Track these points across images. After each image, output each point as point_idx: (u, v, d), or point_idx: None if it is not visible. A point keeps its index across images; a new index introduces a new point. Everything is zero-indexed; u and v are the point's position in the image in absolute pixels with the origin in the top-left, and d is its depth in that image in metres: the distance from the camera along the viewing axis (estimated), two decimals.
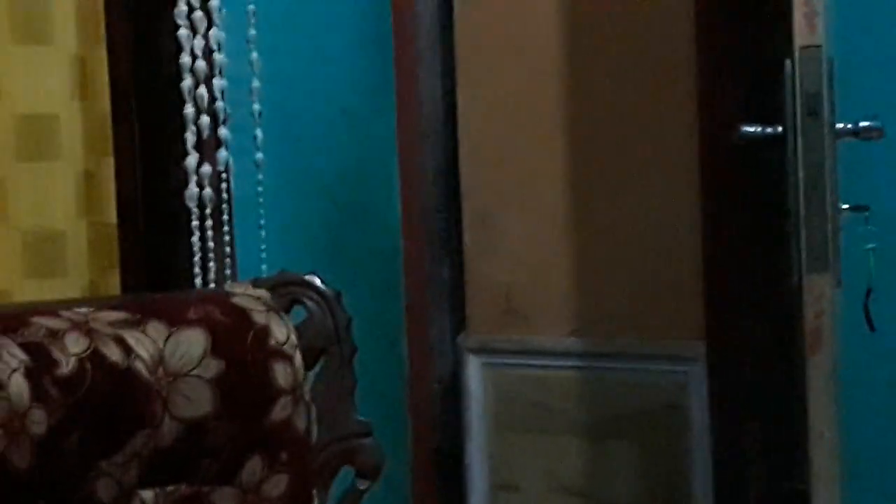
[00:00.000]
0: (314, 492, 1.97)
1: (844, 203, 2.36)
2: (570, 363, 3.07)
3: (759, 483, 2.71)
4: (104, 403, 1.74)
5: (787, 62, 2.30)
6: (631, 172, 2.97)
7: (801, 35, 2.29)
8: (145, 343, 1.81)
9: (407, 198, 3.10)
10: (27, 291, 2.06)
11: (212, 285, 2.08)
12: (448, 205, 3.22)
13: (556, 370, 3.08)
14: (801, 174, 2.31)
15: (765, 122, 2.37)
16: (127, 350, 1.78)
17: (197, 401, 1.83)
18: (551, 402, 3.09)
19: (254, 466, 1.88)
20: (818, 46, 2.28)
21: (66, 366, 1.71)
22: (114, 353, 1.76)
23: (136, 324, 1.82)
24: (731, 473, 2.79)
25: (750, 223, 2.65)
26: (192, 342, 1.84)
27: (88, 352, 1.74)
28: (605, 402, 3.04)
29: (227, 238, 2.11)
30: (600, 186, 3.02)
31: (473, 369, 3.18)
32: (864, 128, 2.35)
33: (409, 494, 3.08)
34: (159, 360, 1.81)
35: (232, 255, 2.09)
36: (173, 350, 1.83)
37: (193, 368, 1.83)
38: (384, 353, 3.06)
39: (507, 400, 3.14)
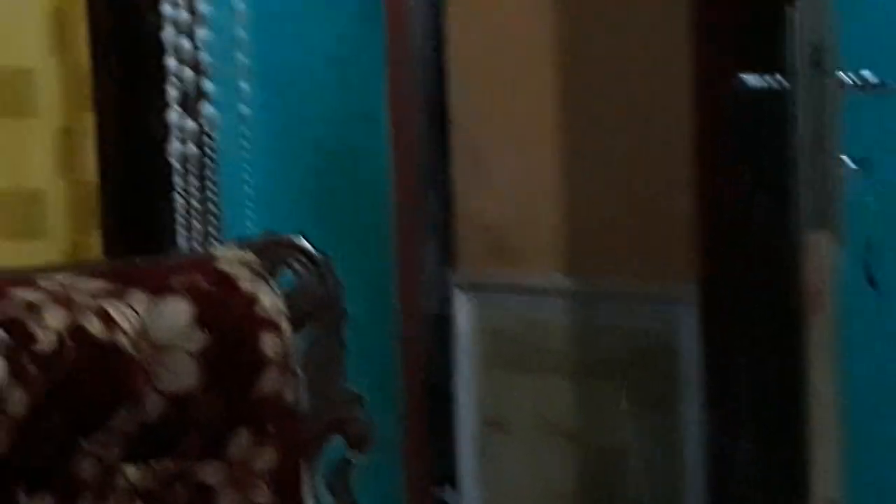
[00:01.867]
0: (303, 463, 1.91)
1: (846, 157, 2.29)
2: (559, 302, 3.04)
3: (751, 429, 2.69)
4: (85, 380, 1.68)
5: (790, 10, 2.22)
6: (625, 108, 2.92)
7: None
8: (127, 314, 1.74)
9: (396, 136, 3.03)
10: (5, 254, 2.00)
11: (195, 245, 2.01)
12: (436, 139, 3.16)
13: (546, 309, 3.05)
14: (803, 126, 2.25)
15: (763, 71, 2.30)
16: (108, 322, 1.72)
17: (182, 374, 1.77)
18: (540, 341, 3.07)
19: (241, 440, 1.82)
20: None
21: (46, 342, 1.64)
22: (95, 327, 1.70)
23: (117, 294, 1.76)
24: (722, 417, 2.76)
25: (744, 172, 2.59)
26: (176, 313, 1.78)
27: (69, 326, 1.67)
28: (594, 342, 3.02)
29: (210, 196, 2.03)
30: (594, 122, 2.97)
31: (462, 305, 3.14)
32: (868, 80, 2.28)
33: (399, 432, 3.06)
34: (142, 332, 1.75)
35: (216, 214, 2.02)
36: (156, 321, 1.76)
37: (178, 340, 1.77)
38: (374, 300, 3.01)
39: (496, 337, 3.11)
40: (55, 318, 1.67)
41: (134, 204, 2.04)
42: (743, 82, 2.35)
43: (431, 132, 3.17)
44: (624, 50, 2.93)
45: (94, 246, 2.07)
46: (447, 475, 3.20)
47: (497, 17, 3.04)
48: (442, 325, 3.19)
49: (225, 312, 1.82)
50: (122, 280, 1.78)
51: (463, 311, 3.15)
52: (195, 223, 2.05)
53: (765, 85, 2.32)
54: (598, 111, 2.98)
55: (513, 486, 3.13)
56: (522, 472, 3.13)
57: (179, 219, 2.03)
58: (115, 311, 1.74)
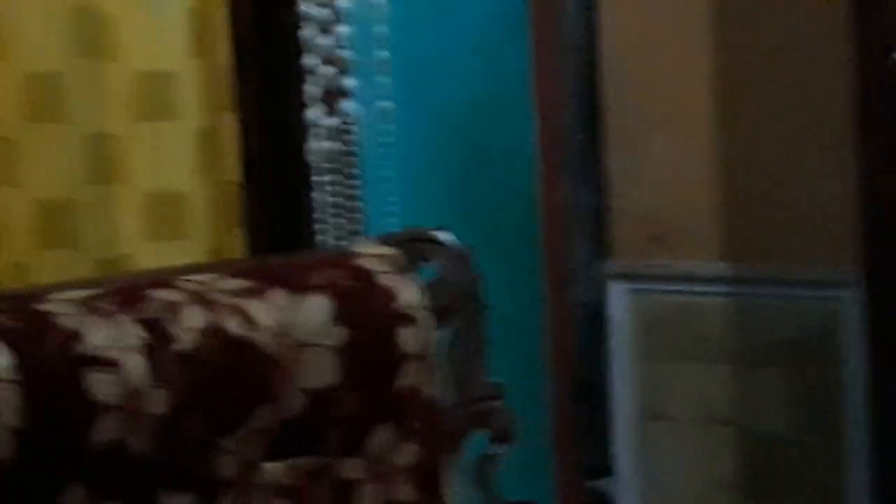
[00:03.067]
0: (445, 458, 1.91)
1: None
2: (717, 289, 3.01)
3: None
4: (225, 378, 1.70)
5: None
6: (781, 94, 2.88)
7: None
8: (267, 312, 1.75)
9: (543, 125, 3.00)
10: (148, 255, 2.02)
11: (337, 242, 2.01)
12: (589, 127, 3.13)
13: (704, 296, 3.02)
14: None
15: None
16: (248, 321, 1.73)
17: (322, 370, 1.78)
18: (699, 329, 3.03)
19: (382, 436, 1.83)
20: None
21: (185, 341, 1.66)
22: (234, 326, 1.71)
23: (257, 292, 1.77)
24: (886, 404, 2.70)
25: None
26: (315, 310, 1.79)
27: (208, 325, 1.69)
28: (754, 329, 2.98)
29: (352, 192, 2.03)
30: (750, 108, 2.93)
31: (617, 296, 3.12)
32: None
33: (548, 425, 3.04)
34: (282, 329, 1.75)
35: (359, 210, 2.02)
36: (296, 319, 1.77)
37: (317, 337, 1.77)
38: (522, 294, 2.99)
39: (653, 327, 3.09)
40: (194, 318, 1.68)
41: (276, 202, 2.05)
42: None
43: (585, 122, 3.14)
44: (780, 35, 2.88)
45: (237, 245, 2.09)
46: (605, 466, 3.17)
47: (651, 3, 3.00)
48: (596, 315, 3.17)
49: (364, 308, 1.82)
50: (261, 278, 1.79)
51: (618, 301, 3.13)
52: (337, 220, 2.05)
53: None
54: (754, 97, 2.93)
55: (672, 476, 3.10)
56: (681, 461, 3.10)
57: (321, 216, 2.03)
58: (255, 309, 1.75)
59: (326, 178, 2.03)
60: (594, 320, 3.15)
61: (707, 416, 3.03)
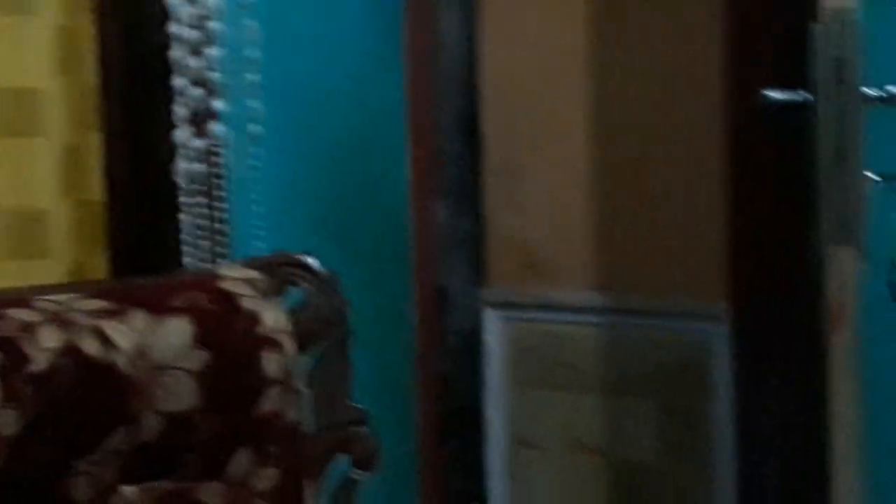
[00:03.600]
0: (306, 483, 1.90)
1: (871, 172, 2.25)
2: (591, 319, 3.04)
3: (782, 447, 2.66)
4: (80, 400, 1.67)
5: (815, 25, 2.19)
6: (657, 128, 2.90)
7: None
8: (126, 334, 1.73)
9: (417, 151, 3.01)
10: (9, 273, 1.99)
11: (202, 265, 2.00)
12: (469, 156, 3.14)
13: (577, 326, 3.05)
14: (826, 142, 2.21)
15: (792, 87, 2.27)
16: (106, 342, 1.71)
17: (181, 394, 1.76)
18: (571, 359, 3.05)
19: (241, 460, 1.81)
20: (848, 9, 2.17)
21: (39, 362, 1.63)
22: (91, 347, 1.69)
23: (116, 313, 1.75)
24: (753, 436, 2.73)
25: (775, 188, 2.56)
26: (175, 332, 1.77)
27: (63, 346, 1.67)
28: (625, 359, 3.01)
29: (218, 215, 2.02)
30: (627, 140, 2.96)
31: (493, 324, 3.13)
32: (894, 94, 2.24)
33: (416, 455, 3.04)
34: (140, 352, 1.74)
35: (224, 234, 2.01)
36: (156, 341, 1.75)
37: (177, 360, 1.76)
38: (392, 320, 2.99)
39: (527, 355, 3.10)
40: (50, 339, 1.66)
41: (141, 223, 2.03)
42: (769, 98, 2.31)
43: (465, 149, 3.15)
44: (658, 68, 2.91)
45: (101, 266, 2.06)
46: (477, 495, 3.18)
47: (531, 33, 3.04)
48: (471, 343, 3.18)
49: (226, 331, 1.81)
50: (121, 300, 1.77)
51: (493, 329, 3.14)
52: (203, 242, 2.04)
53: (790, 100, 2.28)
54: (631, 129, 2.96)
55: None
56: (552, 489, 3.12)
57: (187, 238, 2.02)
58: (113, 330, 1.73)
59: (193, 200, 2.01)
60: (471, 347, 3.15)
61: (578, 445, 3.05)
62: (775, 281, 2.63)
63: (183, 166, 2.01)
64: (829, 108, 2.21)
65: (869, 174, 2.27)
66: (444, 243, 3.13)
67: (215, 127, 2.04)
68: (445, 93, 3.11)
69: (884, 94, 2.27)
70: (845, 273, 2.25)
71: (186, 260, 2.00)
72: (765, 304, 2.67)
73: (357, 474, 1.97)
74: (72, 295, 1.76)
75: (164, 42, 1.98)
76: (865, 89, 2.23)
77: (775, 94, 2.31)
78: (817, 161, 2.25)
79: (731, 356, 2.78)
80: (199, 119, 1.99)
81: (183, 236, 1.99)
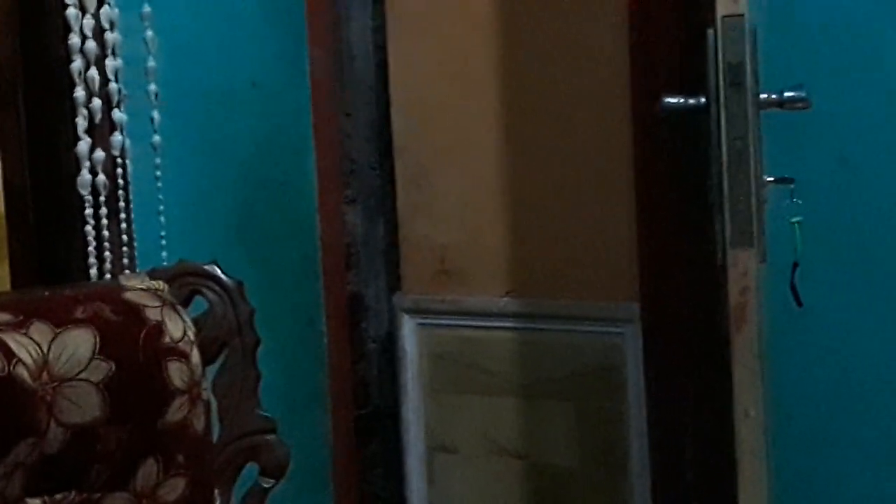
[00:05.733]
0: (216, 492, 1.90)
1: (769, 176, 2.29)
2: (505, 324, 3.05)
3: (694, 447, 2.69)
4: None
5: (710, 31, 2.23)
6: (565, 135, 2.94)
7: (723, 4, 2.22)
8: (28, 346, 1.73)
9: (324, 158, 3.02)
10: None
11: (107, 277, 2.00)
12: (381, 162, 3.16)
13: (491, 331, 3.06)
14: (724, 146, 2.25)
15: (692, 93, 2.30)
16: (7, 355, 1.70)
17: (85, 406, 1.76)
18: (486, 363, 3.07)
19: (148, 470, 1.81)
20: (741, 15, 2.21)
21: None
22: None
23: (18, 325, 1.75)
24: (666, 436, 2.77)
25: (680, 192, 2.60)
26: (78, 344, 1.77)
27: None
28: (540, 363, 3.03)
29: (123, 226, 2.02)
30: (535, 148, 2.99)
31: (408, 329, 3.14)
32: (789, 98, 2.28)
33: (330, 461, 3.05)
34: (43, 364, 1.74)
35: (129, 245, 2.01)
36: (58, 353, 1.75)
37: (80, 372, 1.76)
38: (304, 325, 3.00)
39: (442, 360, 3.11)
40: None
41: (43, 236, 2.02)
42: (669, 103, 2.34)
43: (376, 156, 3.16)
44: (566, 74, 2.94)
45: (3, 279, 2.05)
46: (398, 499, 3.19)
47: (440, 42, 3.05)
48: (387, 349, 3.19)
49: (130, 342, 1.81)
50: (24, 312, 1.77)
51: (409, 334, 3.14)
52: (107, 254, 2.04)
53: (689, 105, 2.31)
54: (540, 135, 2.99)
55: None
56: (471, 493, 3.13)
57: (91, 250, 2.02)
58: (15, 343, 1.72)
59: (98, 211, 2.02)
60: (387, 353, 3.16)
61: (495, 449, 3.06)
62: (682, 283, 2.66)
63: (86, 178, 2.01)
64: (725, 112, 2.24)
65: (767, 178, 2.30)
66: (358, 249, 3.14)
67: (117, 138, 2.03)
68: (355, 100, 3.13)
69: (780, 98, 2.30)
70: (747, 275, 2.28)
71: (92, 272, 2.00)
72: (673, 306, 2.71)
73: (266, 482, 1.97)
74: None
75: (65, 54, 1.97)
76: (762, 94, 2.26)
77: (675, 100, 2.34)
78: (715, 166, 2.28)
79: (642, 358, 2.81)
80: (101, 131, 1.98)
81: (88, 249, 1.98)
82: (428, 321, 3.13)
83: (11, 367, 1.69)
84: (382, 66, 3.13)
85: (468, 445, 3.11)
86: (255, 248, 2.77)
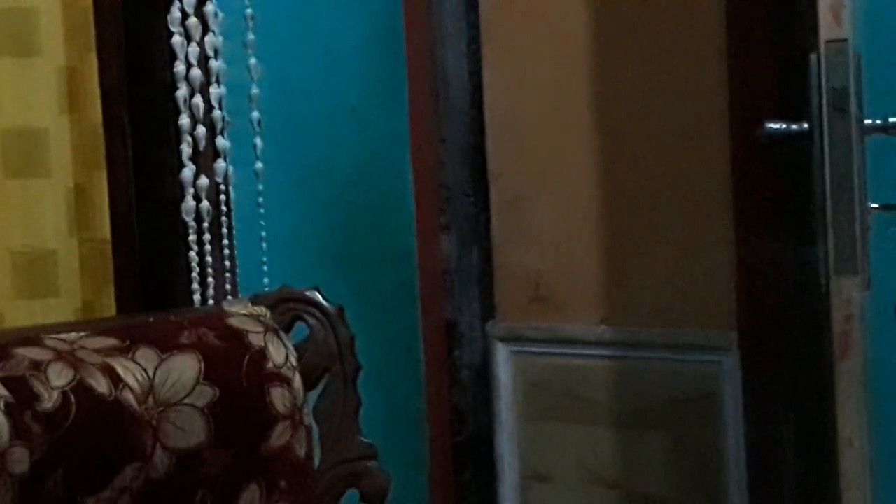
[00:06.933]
0: None
1: (874, 202, 2.26)
2: (600, 352, 3.03)
3: (794, 477, 2.65)
4: (90, 437, 1.68)
5: (812, 56, 2.21)
6: (663, 162, 2.92)
7: (826, 28, 2.20)
8: (134, 371, 1.74)
9: (421, 184, 3.03)
10: (18, 313, 2.00)
11: (210, 303, 2.01)
12: (476, 189, 3.15)
13: (587, 359, 3.04)
14: (827, 172, 2.22)
15: (792, 118, 2.28)
16: (115, 380, 1.72)
17: (189, 430, 1.77)
18: (582, 392, 3.05)
19: (251, 496, 1.82)
20: (844, 40, 2.19)
21: (49, 400, 1.65)
22: (100, 384, 1.70)
23: (125, 351, 1.76)
24: (766, 466, 2.74)
25: (781, 219, 2.57)
26: (183, 369, 1.78)
27: (73, 384, 1.68)
28: (636, 391, 3.00)
29: (226, 252, 2.04)
30: (632, 173, 2.97)
31: (502, 357, 3.13)
32: (894, 124, 2.25)
33: (428, 489, 3.04)
34: (149, 389, 1.75)
35: (232, 270, 2.03)
36: (164, 378, 1.77)
37: (185, 397, 1.77)
38: (402, 352, 3.00)
39: (537, 389, 3.09)
40: (60, 377, 1.67)
41: (147, 262, 2.05)
42: (770, 129, 2.32)
43: (471, 182, 3.16)
44: (662, 97, 2.92)
45: (108, 305, 2.08)
46: None
47: (535, 65, 3.05)
48: (482, 377, 3.18)
49: (234, 368, 1.82)
50: (130, 337, 1.78)
51: (503, 362, 3.14)
52: (210, 280, 2.05)
53: (791, 131, 2.29)
54: (637, 159, 2.97)
55: None
56: None
57: (194, 276, 2.03)
58: (122, 368, 1.74)
59: (200, 237, 2.03)
60: (481, 381, 3.15)
61: (590, 479, 3.04)
62: (782, 311, 2.64)
63: (189, 204, 2.03)
64: (828, 138, 2.22)
65: (871, 204, 2.27)
66: (452, 277, 3.14)
67: (220, 165, 2.05)
68: (449, 125, 3.13)
69: (885, 124, 2.27)
70: (850, 303, 2.25)
71: (195, 298, 2.01)
72: (772, 334, 2.68)
73: None
74: (81, 333, 1.77)
75: (171, 80, 1.99)
76: (866, 119, 2.23)
77: (777, 125, 2.32)
78: (819, 192, 2.25)
79: (741, 386, 2.78)
80: (205, 157, 2.00)
81: (192, 275, 2.00)
82: (522, 349, 3.12)
83: (118, 392, 1.70)
84: (477, 92, 3.13)
85: (563, 474, 3.09)
86: (354, 273, 2.78)
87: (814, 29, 2.21)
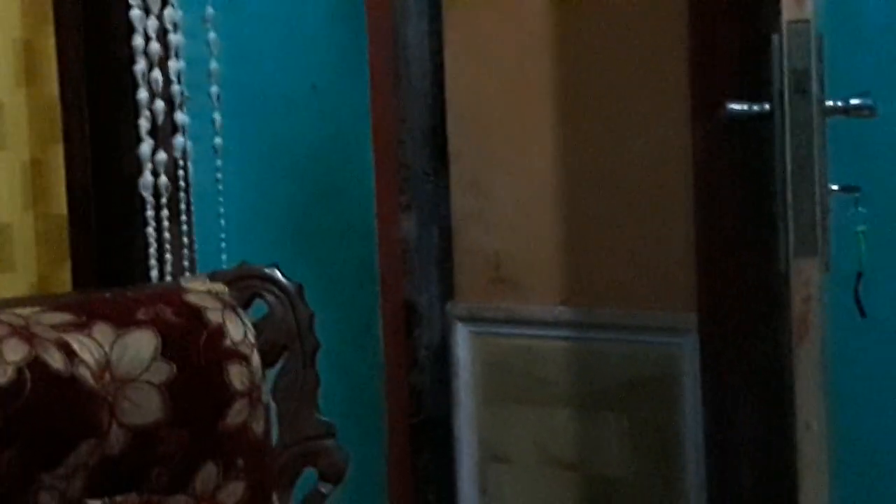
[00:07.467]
0: (274, 496, 1.89)
1: (834, 184, 2.26)
2: (560, 333, 3.03)
3: (752, 460, 2.66)
4: (45, 414, 1.66)
5: (775, 37, 2.20)
6: (623, 141, 2.91)
7: (788, 9, 2.20)
8: (91, 347, 1.73)
9: (382, 164, 3.01)
10: None
11: (168, 279, 1.99)
12: (436, 169, 3.15)
13: (546, 340, 3.04)
14: (788, 153, 2.22)
15: (755, 99, 2.28)
16: (70, 356, 1.70)
17: (146, 407, 1.76)
18: (541, 373, 3.05)
19: (208, 473, 1.81)
20: (806, 21, 2.19)
21: (3, 375, 1.63)
22: (56, 360, 1.68)
23: (81, 326, 1.74)
24: (724, 448, 2.73)
25: (741, 200, 2.57)
26: (140, 345, 1.77)
27: (28, 359, 1.66)
28: (595, 373, 3.00)
29: (184, 228, 2.02)
30: (592, 154, 2.96)
31: (461, 337, 3.12)
32: (855, 105, 2.26)
33: (384, 467, 3.04)
34: (105, 365, 1.73)
35: (190, 247, 2.01)
36: (121, 354, 1.75)
37: (142, 373, 1.76)
38: (361, 331, 2.99)
39: (496, 369, 3.09)
40: (14, 352, 1.65)
41: (105, 237, 2.02)
42: (732, 110, 2.32)
43: (432, 163, 3.15)
44: (623, 78, 2.91)
45: (64, 280, 2.06)
46: None
47: (495, 46, 3.04)
48: (441, 357, 3.17)
49: (191, 344, 1.80)
50: (86, 313, 1.77)
51: (462, 343, 3.13)
52: (168, 256, 2.04)
53: (752, 112, 2.28)
54: (597, 141, 2.96)
55: None
56: (523, 503, 3.11)
57: (152, 252, 2.02)
58: (78, 344, 1.72)
59: (159, 213, 2.01)
60: (440, 361, 3.15)
61: (549, 460, 3.04)
62: (742, 293, 2.64)
63: (147, 179, 2.01)
64: (789, 119, 2.22)
65: (832, 186, 2.27)
66: (411, 256, 3.13)
67: (179, 140, 2.03)
68: (410, 105, 3.12)
69: (846, 106, 2.27)
70: (810, 285, 2.26)
71: (152, 274, 1.99)
72: (732, 316, 2.68)
73: (325, 487, 1.96)
74: (36, 308, 1.76)
75: (129, 55, 1.97)
76: (827, 101, 2.23)
77: (738, 106, 2.31)
78: (779, 173, 2.25)
79: (700, 368, 2.78)
80: (163, 133, 1.98)
81: (149, 251, 1.98)
82: (481, 329, 3.11)
83: (74, 368, 1.68)
84: (438, 72, 3.12)
85: (521, 455, 3.09)
86: (313, 251, 2.77)
87: (776, 10, 2.21)
